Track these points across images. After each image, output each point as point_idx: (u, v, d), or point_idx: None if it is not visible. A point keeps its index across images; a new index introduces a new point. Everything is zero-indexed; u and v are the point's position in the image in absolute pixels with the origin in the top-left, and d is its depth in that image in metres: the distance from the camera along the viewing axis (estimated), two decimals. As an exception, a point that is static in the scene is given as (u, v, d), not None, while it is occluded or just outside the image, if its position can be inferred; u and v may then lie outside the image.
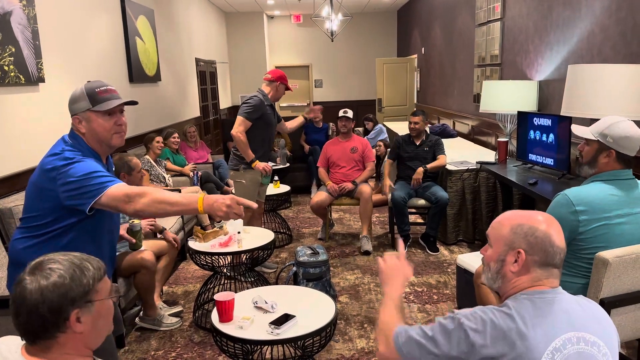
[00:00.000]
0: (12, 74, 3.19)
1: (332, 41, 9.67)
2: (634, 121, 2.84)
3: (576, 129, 2.16)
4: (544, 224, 1.27)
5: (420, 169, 4.31)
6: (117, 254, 2.48)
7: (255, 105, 3.67)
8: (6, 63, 3.13)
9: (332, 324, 2.16)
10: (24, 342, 1.15)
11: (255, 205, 1.79)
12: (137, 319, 3.15)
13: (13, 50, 3.20)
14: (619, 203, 1.95)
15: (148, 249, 3.04)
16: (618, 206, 1.95)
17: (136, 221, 2.26)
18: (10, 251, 1.81)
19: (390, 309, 1.44)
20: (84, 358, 1.16)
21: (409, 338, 1.28)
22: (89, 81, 1.83)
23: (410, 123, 4.52)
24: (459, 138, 6.37)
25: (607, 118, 2.05)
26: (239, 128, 3.66)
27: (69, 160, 1.68)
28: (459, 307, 3.27)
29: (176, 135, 5.36)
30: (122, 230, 2.21)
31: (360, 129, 7.71)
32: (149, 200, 1.66)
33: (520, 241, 1.27)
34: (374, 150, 4.92)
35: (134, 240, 2.19)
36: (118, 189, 1.67)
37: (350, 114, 4.68)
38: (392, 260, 1.57)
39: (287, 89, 3.88)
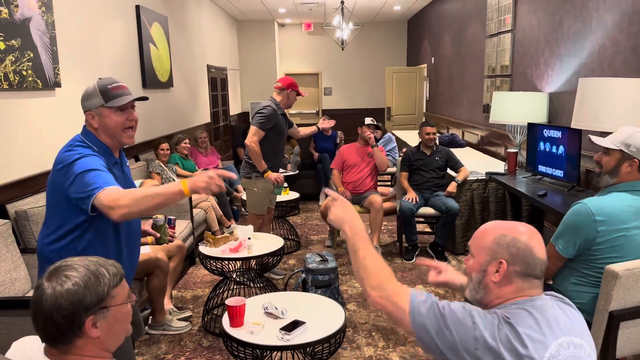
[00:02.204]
0: (30, 79, 3.25)
1: (343, 50, 9.73)
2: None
3: (595, 138, 2.17)
4: (525, 235, 1.28)
5: (454, 183, 4.34)
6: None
7: (269, 116, 3.69)
8: (24, 68, 3.20)
9: (342, 331, 2.18)
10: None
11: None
12: (146, 327, 3.17)
13: (31, 55, 3.26)
14: (637, 214, 1.96)
15: (160, 251, 3.09)
16: (636, 217, 1.96)
17: (159, 216, 2.29)
18: (37, 250, 1.87)
19: (372, 253, 1.37)
20: None
21: (431, 304, 1.25)
22: (100, 78, 1.88)
23: (427, 134, 4.49)
24: (468, 148, 6.39)
25: (625, 128, 2.06)
26: (252, 138, 3.68)
27: (77, 155, 1.73)
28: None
29: (187, 141, 5.41)
30: (147, 226, 2.25)
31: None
32: (130, 200, 1.62)
33: (503, 252, 1.28)
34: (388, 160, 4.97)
35: (158, 235, 2.21)
36: (104, 195, 1.62)
37: (374, 121, 4.74)
38: (337, 206, 1.49)
39: (299, 94, 3.91)
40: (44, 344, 1.18)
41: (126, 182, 1.95)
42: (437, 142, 4.67)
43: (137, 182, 3.52)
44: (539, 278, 1.28)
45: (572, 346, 1.23)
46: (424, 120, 10.02)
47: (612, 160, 2.05)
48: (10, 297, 2.55)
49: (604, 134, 2.28)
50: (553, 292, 1.38)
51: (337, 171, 4.75)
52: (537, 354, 1.18)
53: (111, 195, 1.63)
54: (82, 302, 1.12)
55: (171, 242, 2.51)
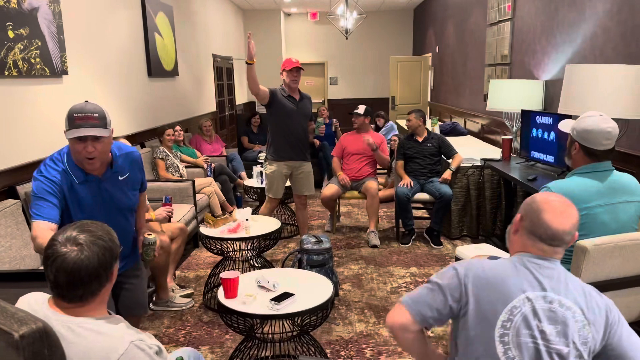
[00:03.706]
0: (38, 67, 3.40)
1: (347, 39, 9.79)
2: (627, 119, 2.94)
3: (561, 123, 2.30)
4: (542, 201, 1.47)
5: (449, 171, 4.48)
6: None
7: (272, 89, 3.92)
8: (33, 56, 3.34)
9: (329, 302, 2.31)
10: (49, 295, 1.32)
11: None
12: (150, 304, 3.33)
13: (39, 44, 3.40)
14: (598, 194, 2.06)
15: (162, 233, 3.23)
16: (597, 197, 2.06)
17: (151, 235, 2.35)
18: None
19: None
20: (104, 310, 1.34)
21: (413, 294, 1.49)
22: (85, 102, 1.97)
23: (407, 121, 4.77)
24: (468, 136, 6.46)
25: (585, 113, 2.17)
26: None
27: (37, 174, 1.97)
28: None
29: (178, 128, 5.38)
30: (142, 237, 2.34)
31: (372, 126, 7.85)
32: (35, 245, 1.88)
33: (523, 209, 1.50)
34: (387, 147, 5.09)
35: (140, 251, 2.31)
36: (33, 228, 1.89)
37: (361, 109, 4.83)
38: None
39: (291, 71, 3.90)
40: (47, 298, 1.32)
41: (95, 198, 2.03)
42: (428, 129, 4.78)
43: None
44: (545, 242, 1.44)
45: (557, 303, 1.37)
46: (428, 109, 10.09)
47: (568, 143, 2.21)
48: (22, 270, 2.71)
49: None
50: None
51: (337, 158, 4.89)
52: (511, 291, 1.38)
53: (33, 231, 1.90)
54: (114, 252, 1.32)
55: (166, 221, 2.60)
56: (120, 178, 2.10)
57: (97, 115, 1.91)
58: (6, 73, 3.08)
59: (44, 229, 1.87)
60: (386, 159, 4.77)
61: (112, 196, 2.08)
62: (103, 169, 2.04)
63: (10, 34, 3.11)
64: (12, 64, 3.13)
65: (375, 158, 4.75)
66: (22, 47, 3.22)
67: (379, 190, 5.51)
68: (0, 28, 3.02)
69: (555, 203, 1.45)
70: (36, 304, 1.31)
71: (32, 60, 3.33)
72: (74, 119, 1.89)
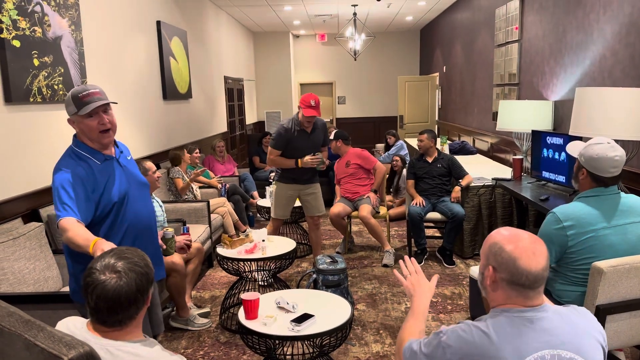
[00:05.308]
0: (61, 92, 3.51)
1: (355, 60, 9.93)
2: (638, 141, 2.98)
3: (569, 146, 2.35)
4: (512, 244, 1.34)
5: (457, 188, 4.53)
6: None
7: (277, 136, 3.95)
8: (56, 82, 3.45)
9: (348, 324, 2.35)
10: (87, 319, 1.38)
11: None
12: (170, 320, 3.39)
13: (62, 70, 3.52)
14: (604, 216, 2.11)
15: (176, 255, 3.29)
16: (603, 219, 2.11)
17: (169, 229, 2.48)
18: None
19: (409, 323, 1.57)
20: (140, 333, 1.39)
21: (412, 352, 1.42)
22: (78, 86, 2.07)
23: (419, 141, 4.82)
24: (477, 155, 6.51)
25: (593, 139, 2.22)
26: (269, 157, 4.03)
27: (57, 167, 2.00)
28: (472, 317, 3.41)
29: (197, 150, 5.53)
30: (159, 236, 2.44)
31: (382, 145, 7.94)
32: (65, 237, 1.90)
33: (492, 259, 1.36)
34: (387, 167, 5.16)
35: (164, 246, 2.42)
36: (62, 223, 1.90)
37: (331, 135, 4.96)
38: (414, 278, 1.69)
39: (306, 112, 3.88)
40: (85, 322, 1.38)
41: (120, 176, 2.08)
42: (438, 150, 4.82)
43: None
44: (530, 288, 1.32)
45: (557, 358, 1.28)
46: (436, 128, 10.17)
47: (575, 168, 2.25)
48: (46, 292, 2.77)
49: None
50: (570, 306, 1.43)
51: (337, 186, 5.10)
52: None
53: (62, 226, 1.90)
54: (149, 277, 1.38)
55: (184, 252, 2.66)
56: (128, 158, 2.21)
57: (98, 90, 2.03)
58: (31, 100, 3.19)
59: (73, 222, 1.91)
60: (380, 178, 4.85)
61: (131, 172, 2.16)
62: (112, 148, 2.13)
63: (36, 62, 3.23)
64: (37, 90, 3.24)
65: (362, 174, 4.86)
66: (46, 74, 3.34)
67: (390, 207, 5.57)
68: (26, 57, 3.14)
69: (524, 243, 1.34)
70: (75, 327, 1.36)
71: (55, 87, 3.45)
72: (80, 98, 1.97)
